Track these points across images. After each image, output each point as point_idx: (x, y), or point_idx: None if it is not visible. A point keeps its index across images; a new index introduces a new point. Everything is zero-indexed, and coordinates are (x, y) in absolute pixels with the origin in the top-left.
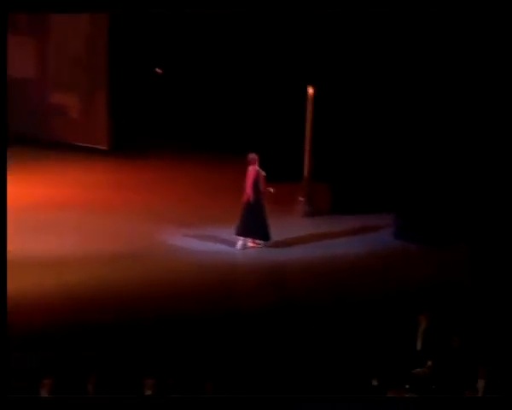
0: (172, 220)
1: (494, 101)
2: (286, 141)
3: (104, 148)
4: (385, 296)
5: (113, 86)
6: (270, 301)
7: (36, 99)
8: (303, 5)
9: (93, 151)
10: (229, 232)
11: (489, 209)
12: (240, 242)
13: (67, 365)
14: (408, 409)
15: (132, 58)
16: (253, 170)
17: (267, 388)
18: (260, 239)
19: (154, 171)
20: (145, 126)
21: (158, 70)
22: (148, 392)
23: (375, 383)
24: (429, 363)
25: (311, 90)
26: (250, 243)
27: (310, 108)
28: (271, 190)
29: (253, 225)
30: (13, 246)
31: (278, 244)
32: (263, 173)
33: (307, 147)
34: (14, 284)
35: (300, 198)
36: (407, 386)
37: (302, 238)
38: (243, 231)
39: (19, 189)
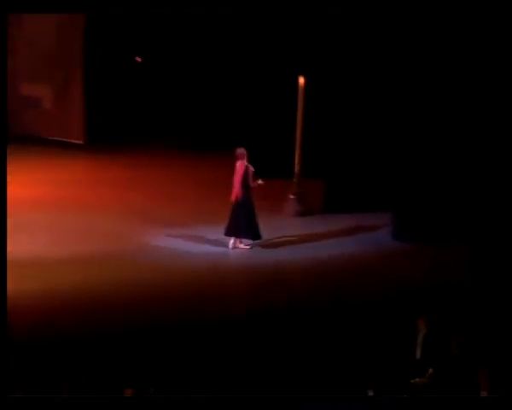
0: (155, 219)
1: (493, 100)
2: (276, 135)
3: (79, 142)
4: (382, 299)
5: (88, 77)
6: (260, 305)
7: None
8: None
9: (68, 145)
10: (215, 231)
11: (489, 208)
12: (231, 241)
13: (35, 373)
14: (408, 409)
15: (109, 48)
16: (241, 165)
17: (258, 394)
18: (251, 239)
19: (134, 167)
20: (123, 119)
21: (138, 58)
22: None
23: (370, 393)
24: (430, 371)
25: (301, 80)
26: (239, 244)
27: (301, 98)
28: (260, 181)
29: (243, 224)
30: None
31: (267, 245)
32: (252, 169)
33: (298, 141)
34: None
35: (291, 196)
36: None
37: (293, 239)
38: (233, 231)
39: None
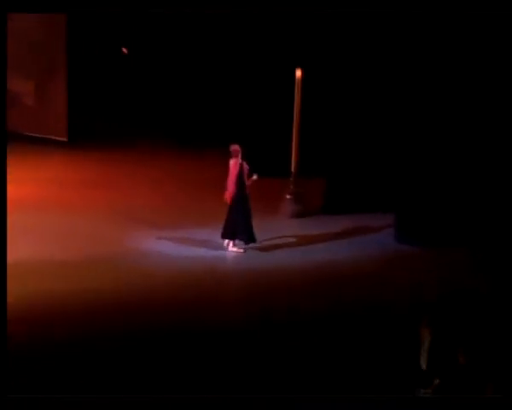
0: (142, 221)
1: (495, 101)
2: (271, 130)
3: (62, 139)
4: (384, 305)
5: (72, 73)
6: (255, 313)
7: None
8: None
9: (50, 143)
10: (206, 233)
11: (497, 210)
12: (226, 243)
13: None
14: (408, 409)
15: (93, 44)
16: (235, 163)
17: (258, 394)
18: (244, 241)
19: (119, 165)
20: (107, 116)
21: (124, 49)
22: None
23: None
24: (436, 382)
25: (298, 73)
26: (232, 247)
27: (298, 91)
28: (255, 177)
29: (239, 225)
30: None
31: (263, 248)
32: (247, 167)
33: (295, 136)
34: None
35: (287, 196)
36: None
37: (289, 242)
38: (230, 234)
39: None
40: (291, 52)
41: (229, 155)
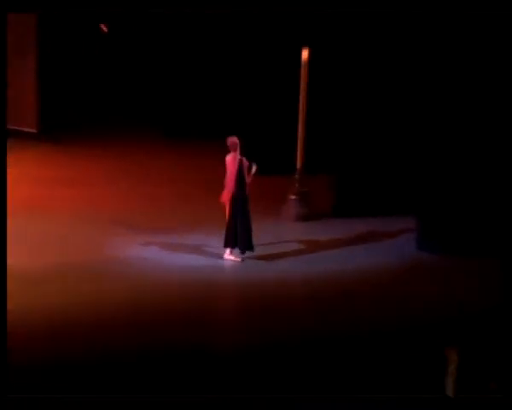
0: (126, 224)
1: None
2: (274, 123)
3: (32, 130)
4: (405, 322)
5: (42, 62)
6: (253, 333)
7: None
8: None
9: (19, 135)
10: (199, 239)
11: None
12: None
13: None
14: (408, 409)
15: (64, 33)
16: (234, 159)
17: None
18: (243, 250)
19: (99, 160)
20: (80, 106)
21: (103, 27)
22: None
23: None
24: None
25: (305, 54)
26: (228, 255)
27: (304, 74)
28: (254, 168)
29: (240, 230)
30: None
31: (264, 257)
32: (247, 163)
33: (301, 127)
34: None
35: (292, 196)
36: None
37: (294, 248)
38: (232, 242)
39: None
40: (296, 38)
41: (225, 150)
